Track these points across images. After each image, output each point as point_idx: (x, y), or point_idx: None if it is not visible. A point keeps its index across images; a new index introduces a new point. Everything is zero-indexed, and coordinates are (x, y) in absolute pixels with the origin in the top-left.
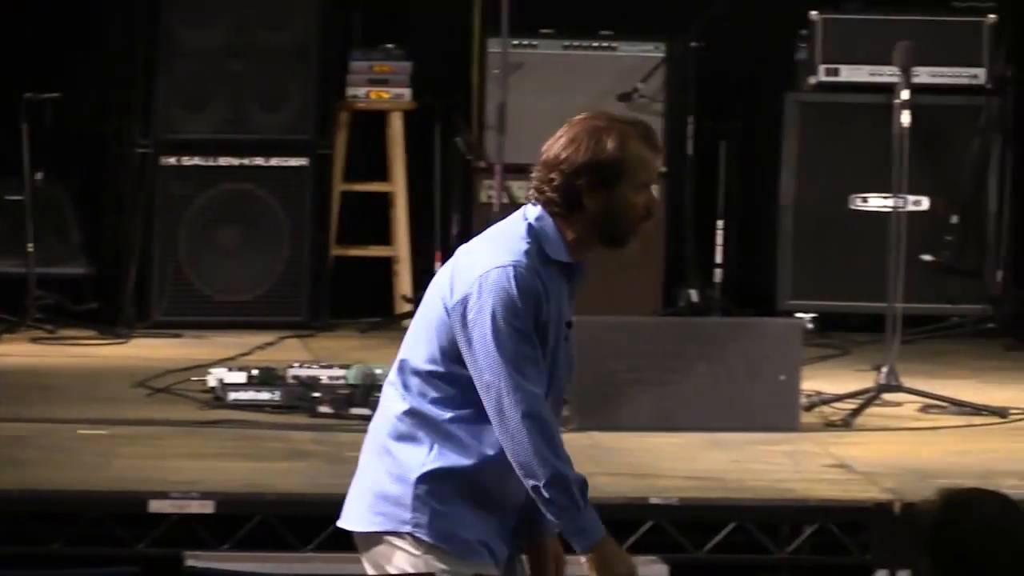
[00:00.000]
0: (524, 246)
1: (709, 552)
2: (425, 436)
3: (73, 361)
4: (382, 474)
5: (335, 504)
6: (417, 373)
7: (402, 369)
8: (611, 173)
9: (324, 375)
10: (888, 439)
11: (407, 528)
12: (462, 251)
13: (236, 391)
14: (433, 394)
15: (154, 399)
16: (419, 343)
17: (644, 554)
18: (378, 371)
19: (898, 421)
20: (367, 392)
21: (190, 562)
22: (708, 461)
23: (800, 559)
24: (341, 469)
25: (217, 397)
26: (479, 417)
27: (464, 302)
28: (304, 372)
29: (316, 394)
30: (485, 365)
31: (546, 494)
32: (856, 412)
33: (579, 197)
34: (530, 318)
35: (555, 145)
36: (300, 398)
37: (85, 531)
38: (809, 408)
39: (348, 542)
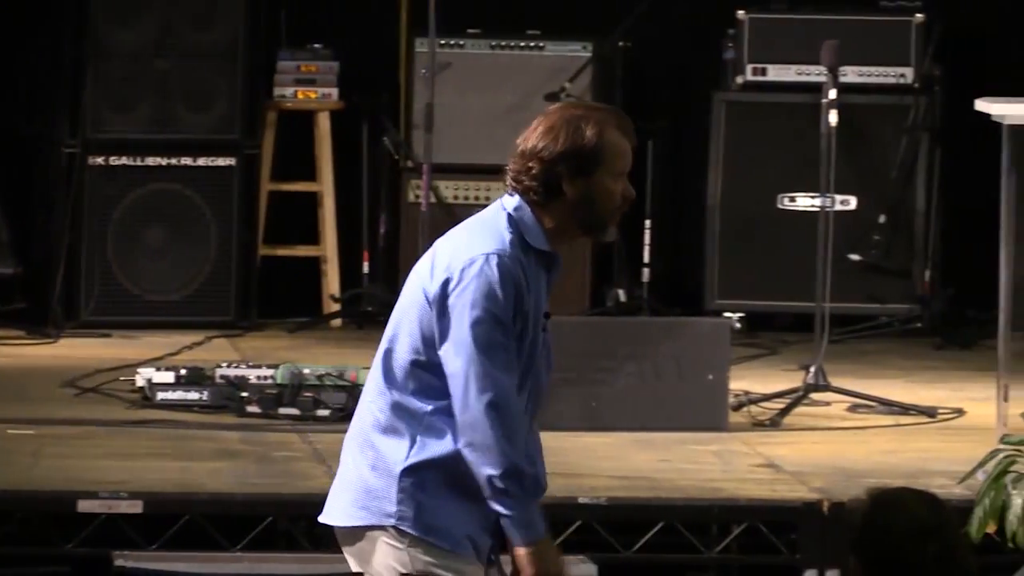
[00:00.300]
0: (507, 235)
1: (638, 552)
2: (407, 428)
3: (1, 361)
4: (365, 468)
5: (264, 504)
6: (400, 364)
7: (384, 361)
8: (590, 160)
9: (252, 375)
10: (816, 439)
11: (391, 521)
12: (442, 241)
13: (164, 391)
14: (414, 385)
15: (83, 399)
16: (401, 334)
17: (573, 553)
18: (306, 371)
19: (826, 421)
20: (295, 392)
21: (119, 562)
22: (637, 461)
23: (729, 558)
24: (269, 469)
25: (146, 397)
26: None
27: (445, 288)
28: (232, 372)
29: (244, 394)
30: (456, 350)
31: (500, 484)
32: (784, 412)
33: (559, 185)
34: (511, 307)
35: (532, 135)
36: (228, 398)
37: (14, 531)
38: (737, 408)
39: (277, 542)
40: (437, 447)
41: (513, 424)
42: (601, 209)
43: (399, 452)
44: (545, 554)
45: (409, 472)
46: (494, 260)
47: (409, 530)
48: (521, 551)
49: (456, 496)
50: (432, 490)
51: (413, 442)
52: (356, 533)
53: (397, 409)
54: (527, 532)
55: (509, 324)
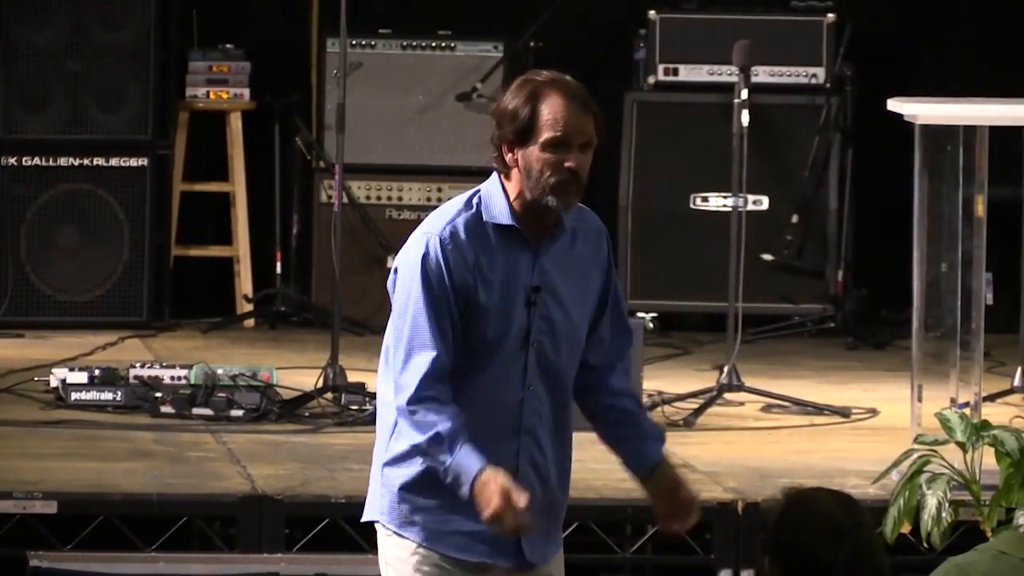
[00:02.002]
0: (453, 212)
1: None
2: (388, 419)
3: None
4: (374, 461)
5: (178, 504)
6: (383, 354)
7: (383, 356)
8: (520, 129)
9: (166, 375)
10: (730, 439)
11: (377, 516)
12: None
13: (78, 391)
14: (390, 374)
15: None
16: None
17: None
18: (220, 371)
19: (740, 421)
20: (209, 392)
21: (34, 562)
22: None
23: (644, 559)
24: (183, 469)
25: (59, 397)
26: None
27: (393, 273)
28: (146, 372)
29: (158, 394)
30: (387, 331)
31: (428, 455)
32: (698, 412)
33: (503, 153)
34: (434, 285)
35: None
36: (142, 398)
37: None
38: (651, 408)
39: (191, 543)
40: (412, 437)
41: (421, 396)
42: (536, 181)
43: (382, 445)
44: (482, 492)
45: (389, 463)
46: (423, 240)
47: (388, 524)
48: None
49: (436, 489)
50: (408, 483)
51: (392, 433)
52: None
53: (382, 403)
54: (460, 484)
55: (435, 303)
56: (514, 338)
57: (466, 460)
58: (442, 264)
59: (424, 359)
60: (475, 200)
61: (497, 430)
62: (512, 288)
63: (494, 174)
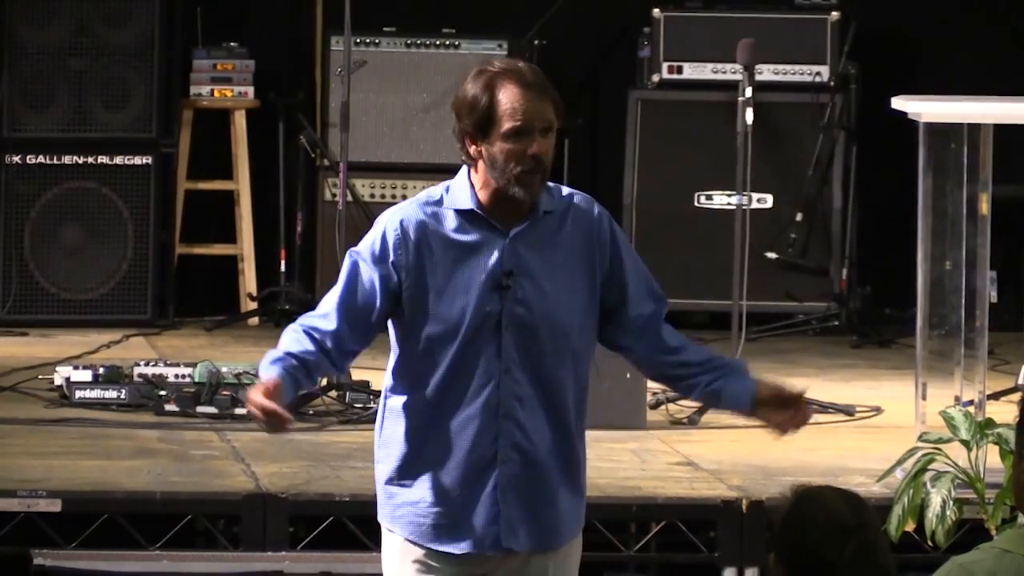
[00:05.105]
0: (413, 201)
1: None
2: (380, 410)
3: None
4: None
5: (182, 502)
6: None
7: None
8: (479, 121)
9: (170, 373)
10: (734, 437)
11: (378, 512)
12: None
13: (82, 389)
14: (387, 364)
15: (1, 397)
16: None
17: None
18: (224, 369)
19: (744, 419)
20: (213, 390)
21: (38, 560)
22: None
23: (648, 557)
24: (187, 467)
25: (64, 395)
26: (410, 384)
27: None
28: (150, 370)
29: (162, 392)
30: None
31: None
32: (702, 410)
33: (467, 146)
34: (377, 253)
35: None
36: (146, 396)
37: None
38: (655, 406)
39: (195, 541)
40: (393, 429)
41: (305, 324)
42: (502, 172)
43: (374, 436)
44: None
45: (379, 459)
46: (374, 227)
47: (381, 519)
48: None
49: (417, 478)
50: (393, 475)
51: (381, 426)
52: None
53: (381, 393)
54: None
55: (368, 274)
56: (478, 320)
57: (263, 372)
58: (381, 250)
59: (324, 312)
60: (442, 189)
61: (472, 415)
62: (468, 271)
63: (464, 166)
